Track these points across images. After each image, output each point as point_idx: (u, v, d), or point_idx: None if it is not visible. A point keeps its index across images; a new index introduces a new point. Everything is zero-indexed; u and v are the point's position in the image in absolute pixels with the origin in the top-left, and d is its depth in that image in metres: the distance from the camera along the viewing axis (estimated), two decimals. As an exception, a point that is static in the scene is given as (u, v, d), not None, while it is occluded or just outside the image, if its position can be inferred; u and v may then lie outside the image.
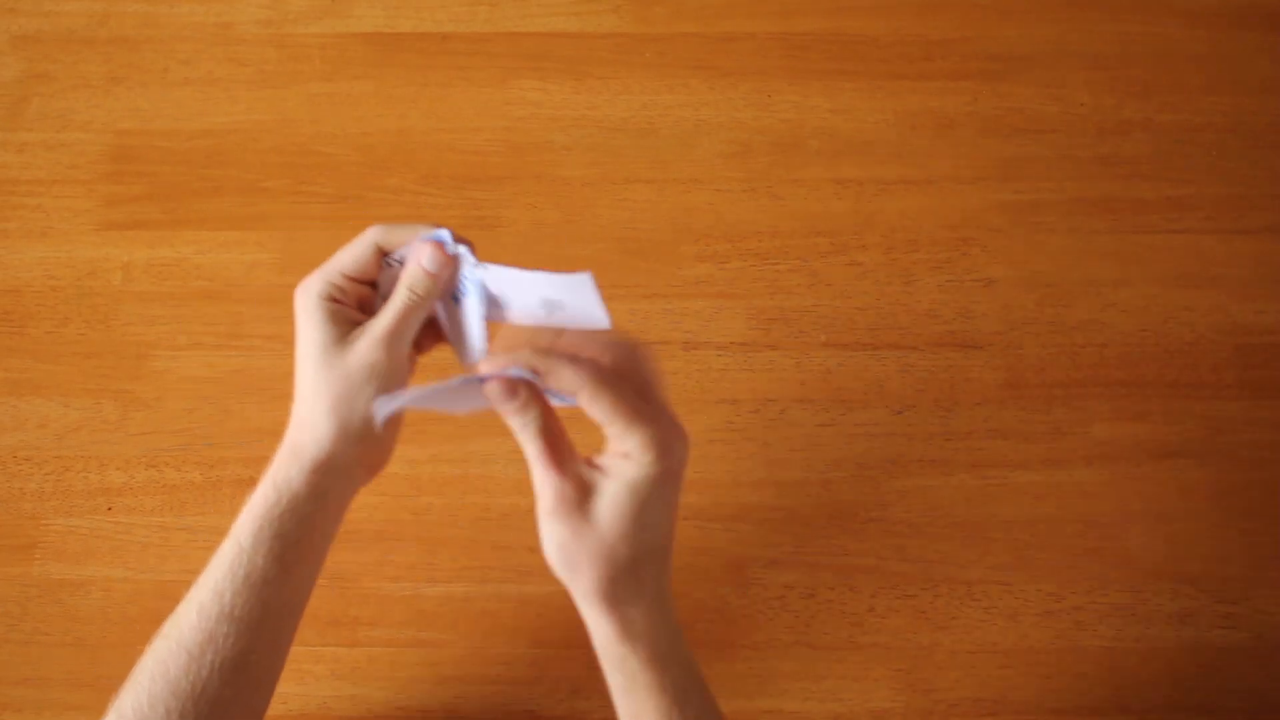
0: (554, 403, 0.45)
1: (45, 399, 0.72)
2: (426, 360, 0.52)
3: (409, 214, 0.76)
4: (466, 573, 0.68)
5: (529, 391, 0.43)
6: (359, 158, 0.78)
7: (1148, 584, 0.68)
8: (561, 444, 0.44)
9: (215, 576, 0.46)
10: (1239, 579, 0.68)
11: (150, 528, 0.69)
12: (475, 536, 0.69)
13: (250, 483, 0.71)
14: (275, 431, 0.75)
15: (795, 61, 0.80)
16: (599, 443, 0.45)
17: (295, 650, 0.50)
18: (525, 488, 0.71)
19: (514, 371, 0.43)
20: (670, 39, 0.81)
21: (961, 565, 0.68)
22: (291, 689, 0.66)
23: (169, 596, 0.69)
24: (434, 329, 0.50)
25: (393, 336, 0.46)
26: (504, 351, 0.44)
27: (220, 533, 0.69)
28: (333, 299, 0.47)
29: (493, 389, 0.43)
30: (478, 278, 0.46)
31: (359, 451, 0.47)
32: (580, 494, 0.43)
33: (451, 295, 0.48)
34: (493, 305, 0.47)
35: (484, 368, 0.43)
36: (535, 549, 0.69)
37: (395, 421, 0.49)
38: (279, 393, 0.72)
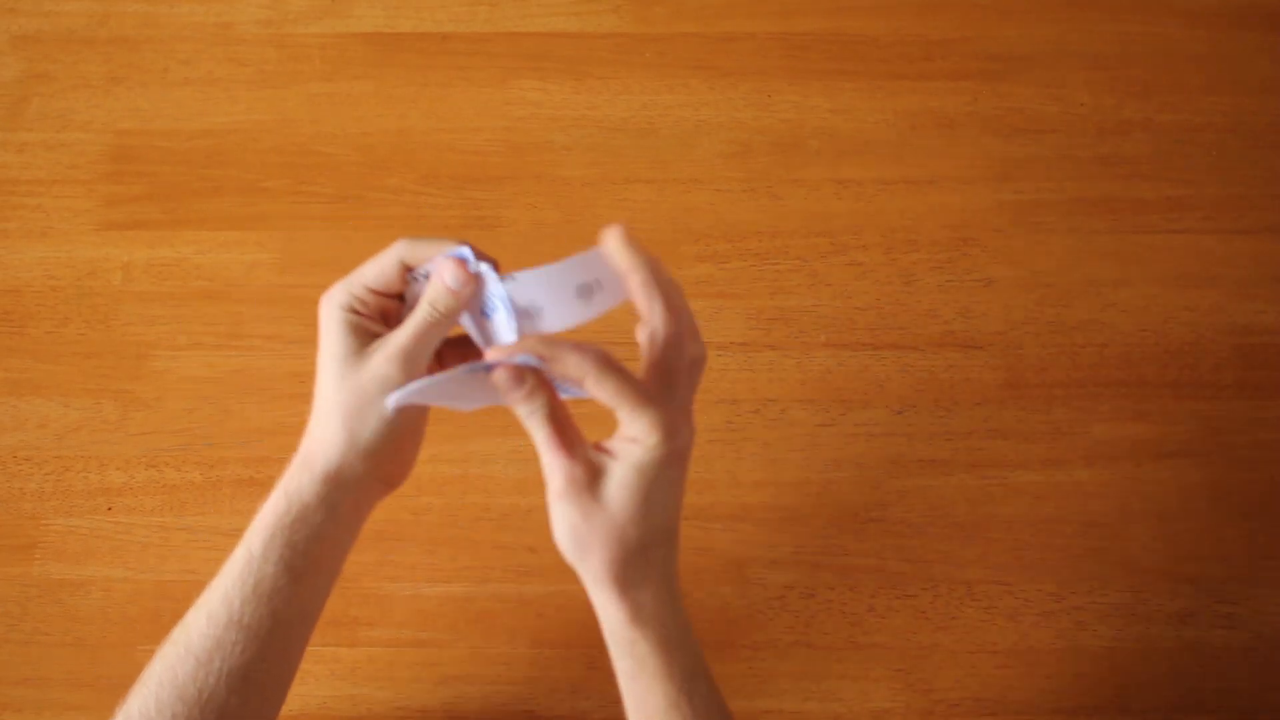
0: (561, 395, 0.45)
1: (45, 399, 0.72)
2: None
3: (409, 214, 0.76)
4: (466, 573, 0.68)
5: (536, 378, 0.44)
6: (359, 158, 0.78)
7: (1148, 584, 0.68)
8: (569, 429, 0.45)
9: (225, 583, 0.46)
10: (1239, 579, 0.68)
11: (150, 528, 0.69)
12: (475, 536, 0.69)
13: (250, 482, 0.71)
14: (275, 431, 0.75)
15: (795, 61, 0.80)
16: (604, 438, 0.45)
17: (295, 650, 0.50)
18: (525, 488, 0.71)
19: (521, 359, 0.43)
20: (670, 39, 0.81)
21: (961, 565, 0.68)
22: (291, 689, 0.65)
23: (169, 596, 0.69)
24: (470, 345, 0.50)
25: (409, 352, 0.46)
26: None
27: (220, 533, 0.69)
28: (354, 310, 0.47)
29: (500, 376, 0.43)
30: (503, 293, 0.46)
31: (371, 464, 0.47)
32: (590, 476, 0.43)
33: (480, 311, 0.48)
34: (524, 318, 0.46)
35: (491, 355, 0.44)
36: (535, 549, 0.70)
37: (415, 436, 0.49)
38: (279, 393, 0.72)
